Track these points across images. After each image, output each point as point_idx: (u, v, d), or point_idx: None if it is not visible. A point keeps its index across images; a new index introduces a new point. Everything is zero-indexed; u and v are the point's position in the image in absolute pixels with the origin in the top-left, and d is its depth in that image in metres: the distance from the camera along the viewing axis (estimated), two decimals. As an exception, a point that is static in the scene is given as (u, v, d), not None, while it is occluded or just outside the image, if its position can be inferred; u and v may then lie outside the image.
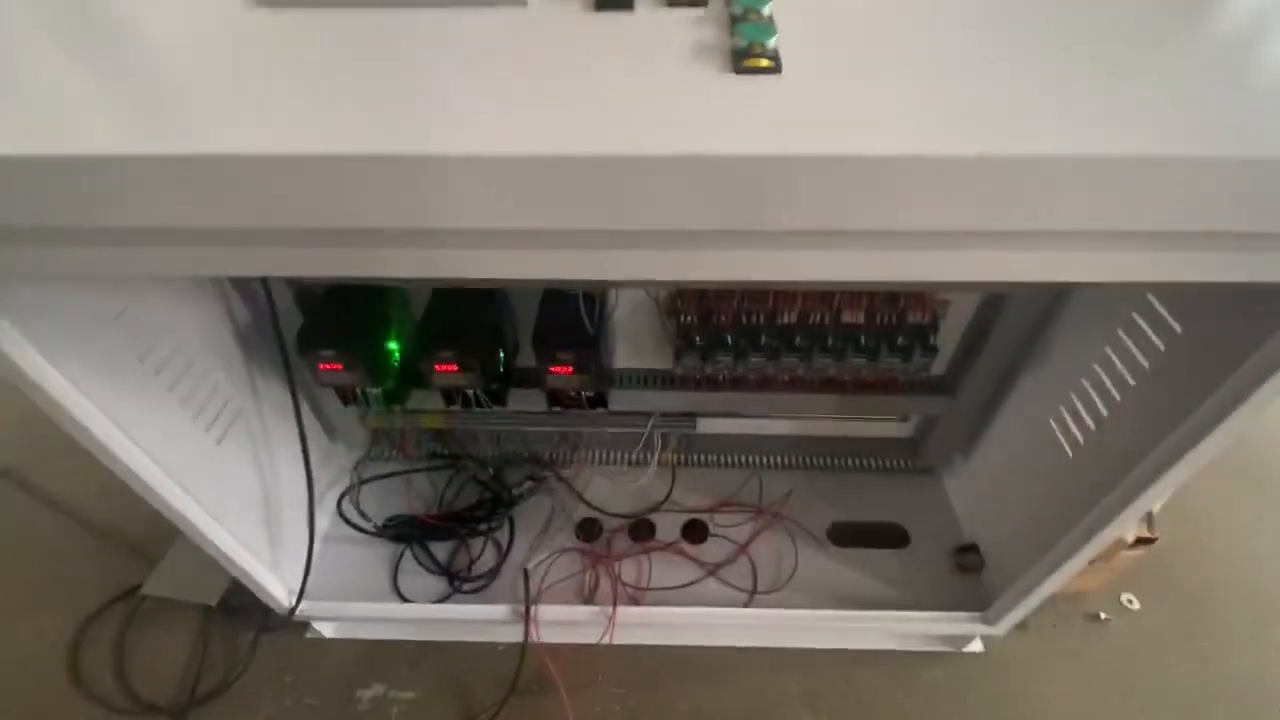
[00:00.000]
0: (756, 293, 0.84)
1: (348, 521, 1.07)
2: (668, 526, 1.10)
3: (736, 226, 0.38)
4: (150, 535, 1.21)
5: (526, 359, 0.93)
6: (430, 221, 0.40)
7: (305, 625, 1.08)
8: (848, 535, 1.09)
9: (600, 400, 0.89)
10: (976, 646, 1.06)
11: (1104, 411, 0.76)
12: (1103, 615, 1.07)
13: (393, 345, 0.86)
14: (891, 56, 0.42)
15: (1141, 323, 0.71)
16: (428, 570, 1.05)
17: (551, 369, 0.79)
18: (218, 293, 0.84)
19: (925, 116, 0.37)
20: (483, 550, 1.07)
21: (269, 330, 0.88)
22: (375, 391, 0.88)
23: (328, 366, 0.80)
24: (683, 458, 1.15)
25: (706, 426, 1.11)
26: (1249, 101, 0.38)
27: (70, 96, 0.40)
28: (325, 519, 1.09)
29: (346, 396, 0.90)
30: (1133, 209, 0.38)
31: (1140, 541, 0.96)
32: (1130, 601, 1.09)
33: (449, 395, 0.89)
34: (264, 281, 0.76)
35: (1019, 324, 0.85)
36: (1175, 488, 0.67)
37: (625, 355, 0.99)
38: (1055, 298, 0.82)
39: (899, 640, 1.06)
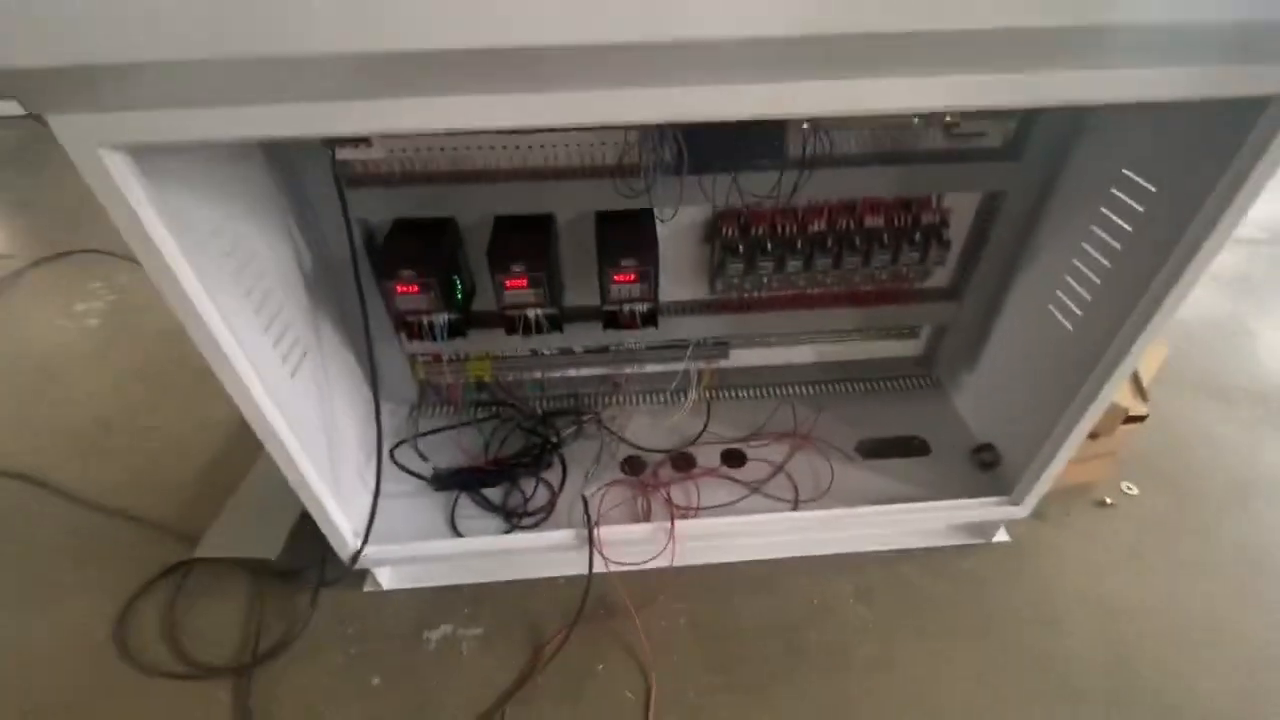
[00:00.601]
0: (787, 209, 0.94)
1: (403, 468, 1.10)
2: (708, 456, 1.16)
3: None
4: (183, 516, 1.21)
5: (579, 299, 1.01)
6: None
7: (363, 578, 1.09)
8: (874, 449, 1.17)
9: (652, 318, 0.97)
10: (1003, 536, 1.15)
11: (1096, 280, 0.88)
12: (1108, 500, 1.18)
13: (457, 278, 0.92)
14: None
15: (1120, 195, 0.84)
16: (484, 511, 1.08)
17: (616, 278, 0.87)
18: (291, 233, 0.89)
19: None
20: (534, 490, 1.11)
21: (332, 278, 0.94)
22: (443, 322, 0.93)
23: (405, 288, 0.85)
24: (716, 393, 1.23)
25: (737, 359, 1.20)
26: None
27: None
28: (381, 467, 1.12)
29: (414, 330, 0.95)
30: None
31: (1133, 419, 1.07)
32: (1130, 489, 1.21)
33: (512, 324, 0.95)
34: (344, 211, 0.82)
35: (1013, 222, 0.97)
36: (1163, 327, 0.79)
37: (667, 288, 1.07)
38: (1042, 193, 0.95)
39: (935, 536, 1.15)
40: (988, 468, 1.12)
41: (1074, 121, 0.87)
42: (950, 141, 0.91)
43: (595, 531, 1.02)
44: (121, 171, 0.56)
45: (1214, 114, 0.68)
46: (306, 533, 1.03)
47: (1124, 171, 0.83)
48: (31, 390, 1.54)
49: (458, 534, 1.05)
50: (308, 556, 1.08)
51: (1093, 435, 1.08)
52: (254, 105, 0.52)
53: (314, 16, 0.46)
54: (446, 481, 1.11)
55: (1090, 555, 1.11)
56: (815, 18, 0.48)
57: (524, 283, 0.87)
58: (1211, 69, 0.56)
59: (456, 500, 1.09)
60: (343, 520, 0.97)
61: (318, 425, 0.96)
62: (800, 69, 0.52)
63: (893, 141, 0.90)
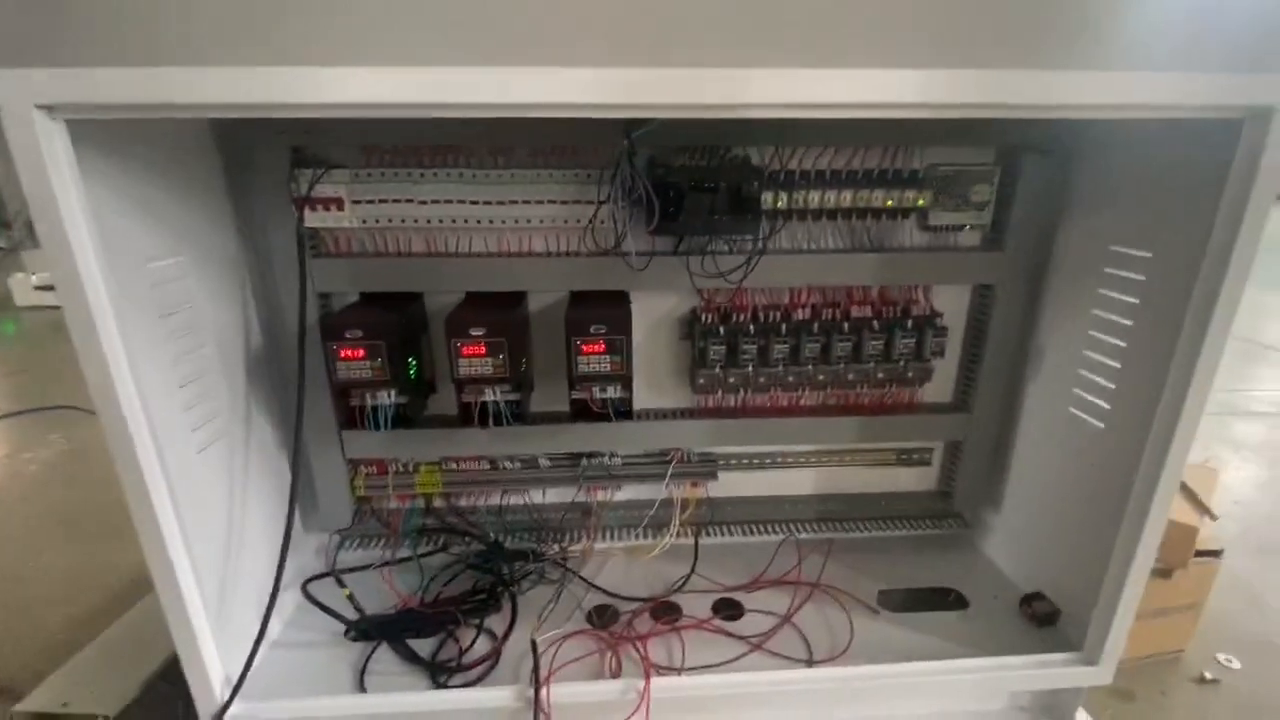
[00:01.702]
0: (772, 302, 0.90)
1: (317, 604, 0.88)
2: (695, 606, 0.94)
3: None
4: (34, 669, 0.94)
5: (547, 403, 0.92)
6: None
7: (229, 754, 0.80)
8: (900, 601, 0.96)
9: (626, 407, 0.86)
10: (1084, 719, 0.86)
11: (1116, 364, 0.80)
12: (1208, 675, 0.92)
13: (412, 360, 0.85)
14: None
15: (1115, 271, 0.80)
16: (407, 665, 0.84)
17: (585, 348, 0.79)
18: (244, 296, 0.84)
19: None
20: (474, 641, 0.88)
21: (278, 360, 0.87)
22: (389, 402, 0.82)
23: (350, 352, 0.77)
24: (704, 529, 1.05)
25: (728, 485, 1.05)
26: None
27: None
28: (287, 602, 0.90)
29: (356, 412, 0.83)
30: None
31: (1207, 553, 0.89)
32: (1229, 660, 0.95)
33: (468, 411, 0.84)
34: (302, 272, 0.78)
35: (1008, 317, 0.92)
36: (1204, 399, 0.68)
37: (645, 394, 0.98)
38: (1031, 282, 0.91)
39: (995, 718, 0.87)
40: (1045, 622, 0.89)
41: (1051, 205, 0.87)
42: (930, 238, 0.90)
43: (543, 690, 0.77)
44: (49, 138, 0.52)
45: (1188, 159, 0.68)
46: (166, 695, 0.79)
47: (1112, 248, 0.80)
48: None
49: (363, 691, 0.80)
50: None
51: (1165, 573, 0.88)
52: (205, 66, 0.50)
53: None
54: (367, 629, 0.88)
55: (1209, 749, 0.83)
56: None
57: (482, 350, 0.78)
58: (1181, 77, 0.56)
59: (373, 652, 0.86)
60: (215, 663, 0.74)
61: (217, 528, 0.79)
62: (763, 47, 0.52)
63: (870, 238, 0.90)
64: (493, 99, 0.53)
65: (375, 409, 0.83)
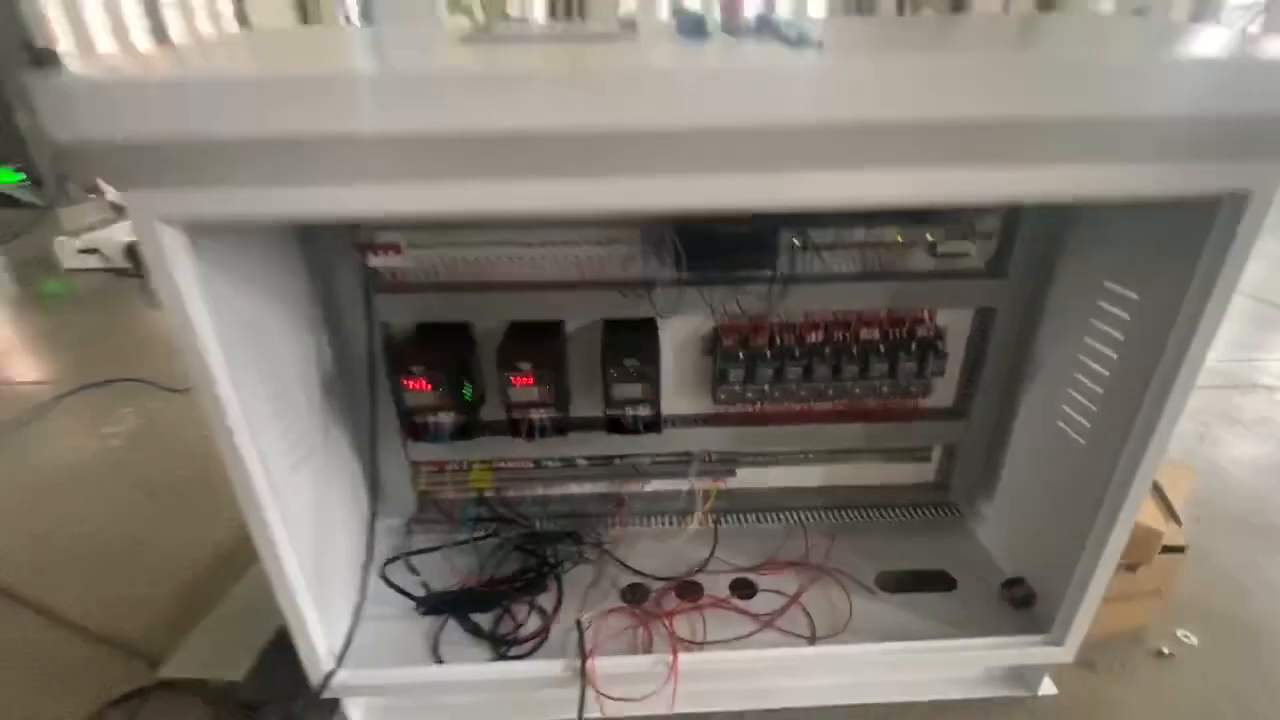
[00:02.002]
0: (786, 323, 0.99)
1: (392, 585, 1.04)
2: (715, 585, 1.09)
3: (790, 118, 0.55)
4: (153, 637, 1.13)
5: (583, 409, 1.03)
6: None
7: (333, 711, 0.98)
8: (897, 583, 1.09)
9: (655, 424, 0.97)
10: (1049, 689, 1.01)
11: (1099, 390, 0.88)
12: (1165, 650, 1.05)
13: (467, 383, 0.96)
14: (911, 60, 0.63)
15: (1106, 305, 0.87)
16: (473, 639, 1.00)
17: (619, 379, 0.89)
18: (315, 330, 0.95)
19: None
20: (528, 616, 1.03)
21: (347, 378, 0.98)
22: (449, 422, 0.94)
23: (415, 384, 0.88)
24: (723, 516, 1.18)
25: (744, 479, 1.17)
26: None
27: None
28: (368, 584, 1.06)
29: (420, 430, 0.96)
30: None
31: (1171, 549, 1.00)
32: (1187, 637, 1.08)
33: (517, 426, 0.96)
34: (369, 313, 0.88)
35: (1008, 337, 1.00)
36: (1173, 427, 0.77)
37: (670, 400, 1.09)
38: (1030, 307, 0.98)
39: (972, 685, 1.01)
40: (1021, 604, 1.02)
41: (1053, 238, 0.93)
42: (936, 263, 0.97)
43: (590, 662, 0.92)
44: (173, 246, 0.62)
45: (1177, 215, 0.74)
46: (278, 661, 0.95)
47: (1106, 284, 0.87)
48: (37, 504, 1.54)
49: (440, 662, 0.96)
50: (277, 688, 0.99)
51: (1131, 567, 0.99)
52: (303, 186, 0.59)
53: (362, 101, 0.54)
54: (435, 605, 1.04)
55: (1153, 715, 0.97)
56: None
57: (530, 380, 0.89)
58: (1161, 167, 0.62)
59: (443, 626, 1.02)
60: (320, 638, 0.90)
61: (311, 527, 0.93)
62: (794, 161, 0.59)
63: (881, 263, 0.97)
64: (544, 205, 0.61)
65: (436, 426, 0.95)
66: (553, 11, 3.03)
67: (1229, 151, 0.62)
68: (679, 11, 0.69)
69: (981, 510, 1.18)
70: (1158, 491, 1.02)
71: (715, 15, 0.79)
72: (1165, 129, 0.60)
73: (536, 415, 0.94)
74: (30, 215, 4.49)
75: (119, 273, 3.37)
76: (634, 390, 0.91)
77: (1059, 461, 0.96)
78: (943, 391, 1.09)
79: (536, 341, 0.93)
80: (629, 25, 0.70)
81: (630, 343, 0.91)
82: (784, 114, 0.53)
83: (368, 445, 0.99)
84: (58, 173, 4.57)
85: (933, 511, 1.20)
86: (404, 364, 0.89)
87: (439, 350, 0.92)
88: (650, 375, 0.90)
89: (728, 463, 1.13)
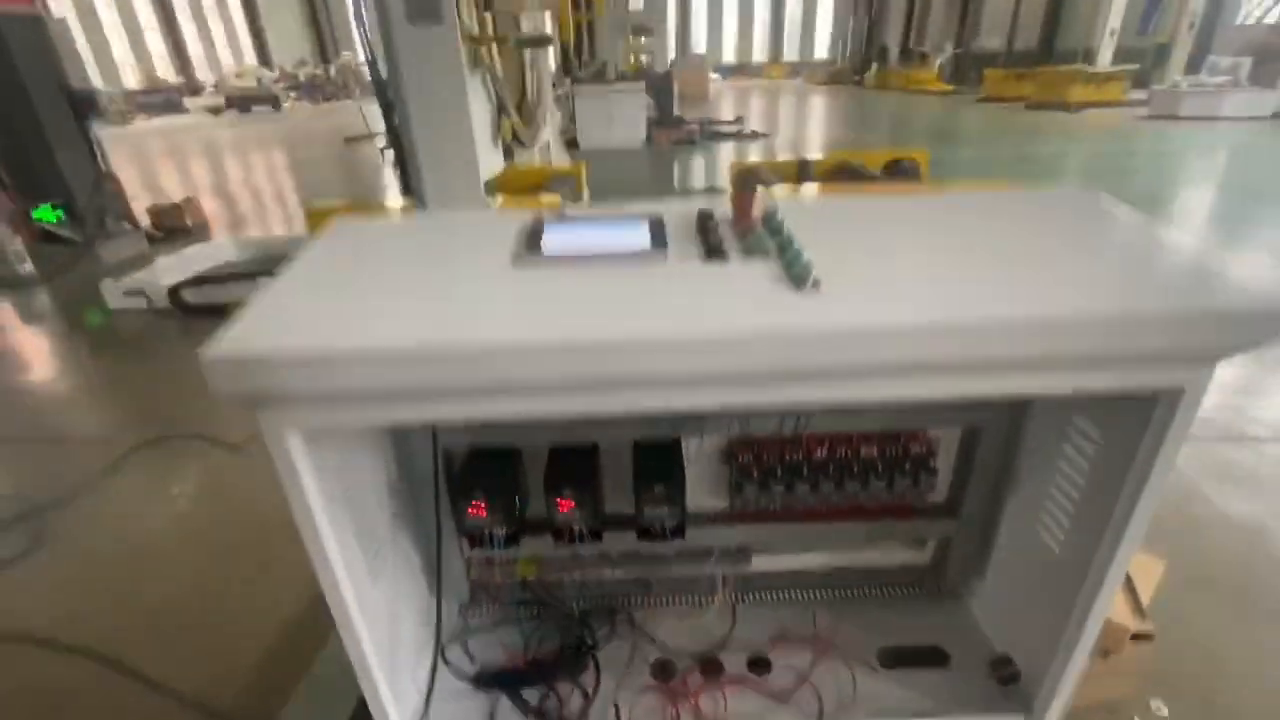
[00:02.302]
0: (794, 438, 1.12)
1: (450, 665, 1.19)
2: (735, 663, 1.23)
3: (795, 366, 0.69)
4: (243, 704, 1.29)
5: (616, 505, 1.17)
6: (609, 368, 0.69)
7: (405, 781, 1.13)
8: (894, 658, 1.22)
9: (680, 531, 1.11)
10: (1031, 758, 1.14)
11: (1069, 510, 1.01)
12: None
13: (518, 498, 1.10)
14: (895, 279, 0.75)
15: (1075, 437, 0.99)
16: (522, 716, 1.15)
17: (650, 502, 1.04)
18: (386, 456, 1.10)
19: (918, 306, 0.70)
20: (570, 694, 1.18)
21: (411, 488, 1.13)
22: (503, 534, 1.09)
23: (476, 510, 1.03)
24: (740, 595, 1.32)
25: (759, 564, 1.31)
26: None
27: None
28: (427, 667, 1.21)
29: (475, 539, 1.11)
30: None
31: (1140, 637, 1.12)
32: (1160, 709, 1.20)
33: (559, 534, 1.11)
34: (435, 443, 1.02)
35: (993, 452, 1.13)
36: (1130, 556, 0.90)
37: (693, 499, 1.22)
38: (1012, 428, 1.11)
39: (959, 758, 1.15)
40: (1007, 682, 1.15)
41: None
42: (927, 387, 1.10)
43: (626, 741, 1.07)
44: (296, 445, 0.77)
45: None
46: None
47: (1075, 419, 0.99)
48: (118, 570, 1.71)
49: (498, 740, 1.11)
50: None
51: (1104, 654, 1.12)
52: (416, 403, 0.73)
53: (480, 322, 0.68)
54: (489, 682, 1.19)
55: (1127, 785, 1.10)
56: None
57: (572, 504, 1.04)
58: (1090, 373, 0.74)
59: (497, 703, 1.17)
60: (393, 710, 1.05)
61: (385, 619, 1.08)
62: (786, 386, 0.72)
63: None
64: (600, 410, 0.75)
65: (491, 537, 1.10)
66: (564, 64, 3.15)
67: (1160, 353, 0.74)
68: (703, 228, 0.83)
69: (975, 588, 1.31)
70: (1128, 584, 1.14)
71: (727, 212, 0.92)
72: (1096, 336, 0.72)
73: (576, 526, 1.09)
74: (70, 251, 4.72)
75: (161, 313, 3.57)
76: (662, 511, 1.05)
77: (1038, 562, 1.09)
78: (936, 492, 1.22)
79: (576, 465, 1.07)
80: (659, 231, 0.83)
81: (658, 467, 1.05)
82: (794, 364, 0.67)
83: (433, 552, 1.14)
84: (96, 209, 4.78)
85: (931, 589, 1.33)
86: (466, 490, 1.04)
87: (494, 476, 1.06)
88: (677, 497, 1.04)
89: (743, 552, 1.27)
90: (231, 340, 0.68)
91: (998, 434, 1.11)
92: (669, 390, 0.73)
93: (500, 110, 2.94)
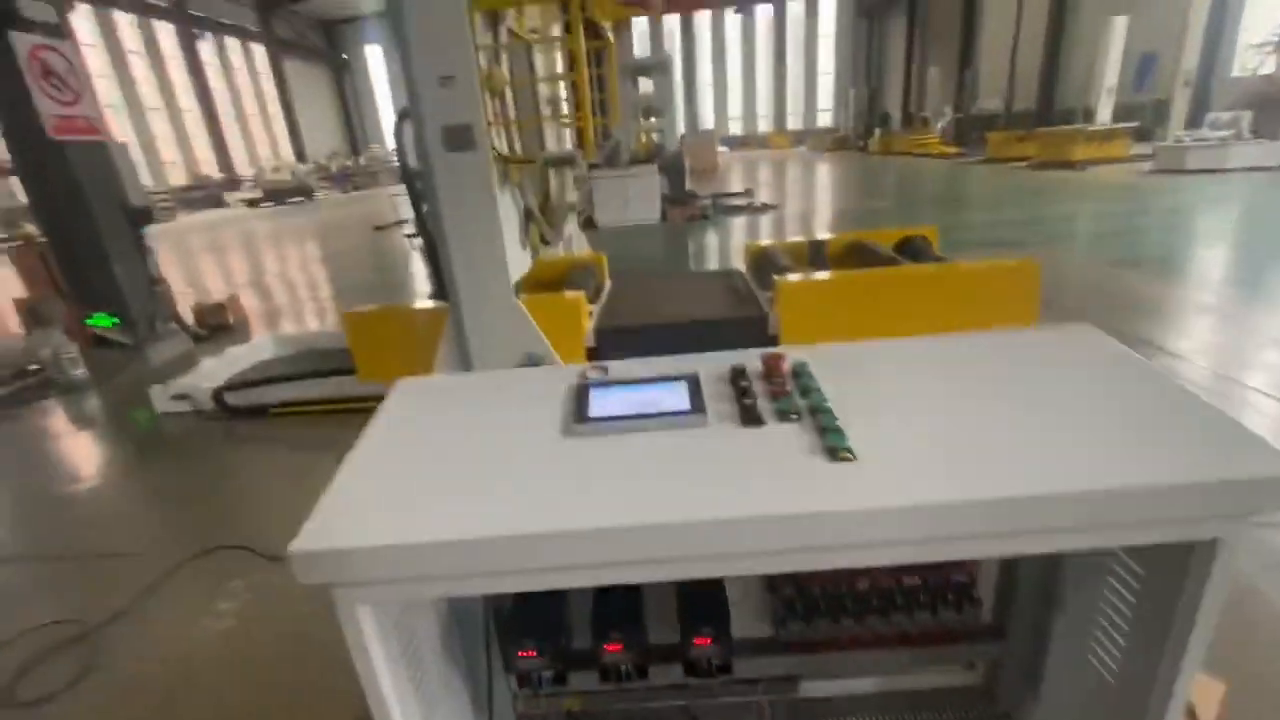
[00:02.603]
0: (835, 571, 1.14)
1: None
2: (786, 799, 1.20)
3: (833, 541, 0.72)
4: None
5: (660, 637, 1.19)
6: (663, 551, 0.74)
7: None
8: (954, 792, 1.19)
9: (727, 668, 1.12)
10: None
11: (1120, 638, 1.00)
12: None
13: (564, 639, 1.13)
14: (924, 445, 0.80)
15: (1118, 570, 1.00)
16: None
17: (696, 642, 1.05)
18: (439, 607, 1.13)
19: (950, 481, 0.74)
20: (621, 835, 1.16)
21: (461, 629, 1.16)
22: (550, 675, 1.11)
23: (525, 654, 1.06)
24: (789, 723, 1.30)
25: (808, 690, 1.29)
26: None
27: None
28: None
29: (524, 679, 1.13)
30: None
31: (1213, 769, 1.08)
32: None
33: (606, 673, 1.12)
34: (485, 606, 1.06)
35: (1034, 576, 1.13)
36: (1189, 687, 0.89)
37: (737, 629, 1.23)
38: (1052, 556, 1.11)
39: None
40: (1073, 819, 1.11)
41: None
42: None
43: None
44: (366, 618, 0.81)
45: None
46: None
47: (1118, 551, 1.00)
48: (166, 690, 1.74)
49: None
50: None
51: (1174, 788, 1.08)
52: (475, 578, 0.78)
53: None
54: (537, 824, 1.18)
55: None
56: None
57: (620, 647, 1.06)
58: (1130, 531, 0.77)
59: (548, 847, 1.15)
60: None
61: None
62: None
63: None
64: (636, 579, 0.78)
65: (540, 678, 1.12)
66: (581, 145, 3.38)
67: (1196, 516, 0.76)
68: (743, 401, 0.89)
69: (1030, 711, 1.27)
70: (1189, 716, 1.11)
71: (757, 365, 0.98)
72: (1132, 506, 0.75)
73: (624, 666, 1.10)
74: (121, 353, 4.97)
75: (205, 415, 3.71)
76: (709, 650, 1.06)
77: (1093, 686, 1.07)
78: (982, 614, 1.21)
79: (622, 606, 1.10)
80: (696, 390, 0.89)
81: (703, 608, 1.08)
82: (833, 540, 0.71)
83: (483, 690, 1.16)
84: (147, 314, 5.07)
85: (983, 712, 1.30)
86: (514, 634, 1.07)
87: (541, 619, 1.09)
88: (723, 636, 1.06)
89: (790, 680, 1.26)
90: (312, 534, 0.74)
91: (1038, 562, 1.12)
92: (711, 563, 0.76)
93: (528, 217, 3.12)
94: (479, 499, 0.78)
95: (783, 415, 0.87)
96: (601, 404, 0.92)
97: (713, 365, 1.01)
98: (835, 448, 0.77)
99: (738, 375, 0.97)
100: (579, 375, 1.01)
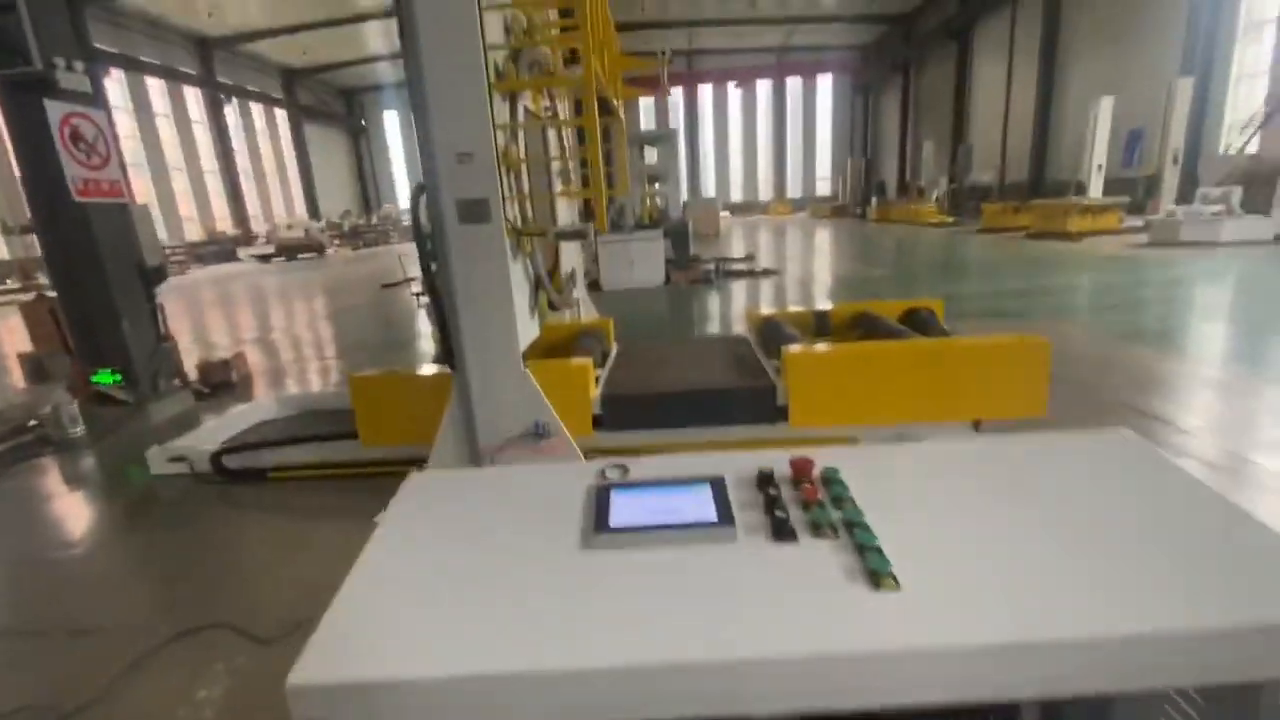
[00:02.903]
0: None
1: None
2: None
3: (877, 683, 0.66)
4: None
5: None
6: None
7: None
8: None
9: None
10: None
11: (1185, 783, 0.91)
12: None
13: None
14: (970, 574, 0.75)
15: (1178, 711, 0.92)
16: None
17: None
18: None
19: (1004, 618, 0.68)
20: None
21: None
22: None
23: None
24: None
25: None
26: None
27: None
28: None
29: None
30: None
31: None
32: None
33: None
34: None
35: (1079, 714, 1.04)
36: None
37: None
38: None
39: None
40: None
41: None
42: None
43: None
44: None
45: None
46: None
47: (1171, 694, 0.93)
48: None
49: None
50: None
51: None
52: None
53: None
54: None
55: None
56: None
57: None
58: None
59: None
60: None
61: None
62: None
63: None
64: None
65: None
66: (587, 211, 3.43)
67: (1258, 652, 0.70)
68: (773, 513, 0.84)
69: None
70: None
71: (785, 469, 0.94)
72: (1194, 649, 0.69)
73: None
74: (122, 412, 4.92)
75: (202, 477, 3.63)
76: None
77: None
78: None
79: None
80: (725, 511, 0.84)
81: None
82: (879, 678, 0.65)
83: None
84: (152, 372, 5.05)
85: None
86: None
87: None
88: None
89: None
90: (311, 667, 0.68)
91: (1087, 701, 1.04)
92: (744, 703, 0.70)
93: (538, 285, 3.14)
94: (489, 625, 0.72)
95: (816, 529, 0.82)
96: (622, 511, 0.87)
97: (737, 466, 0.97)
98: (878, 573, 0.72)
99: (765, 480, 0.92)
100: (596, 475, 0.97)
